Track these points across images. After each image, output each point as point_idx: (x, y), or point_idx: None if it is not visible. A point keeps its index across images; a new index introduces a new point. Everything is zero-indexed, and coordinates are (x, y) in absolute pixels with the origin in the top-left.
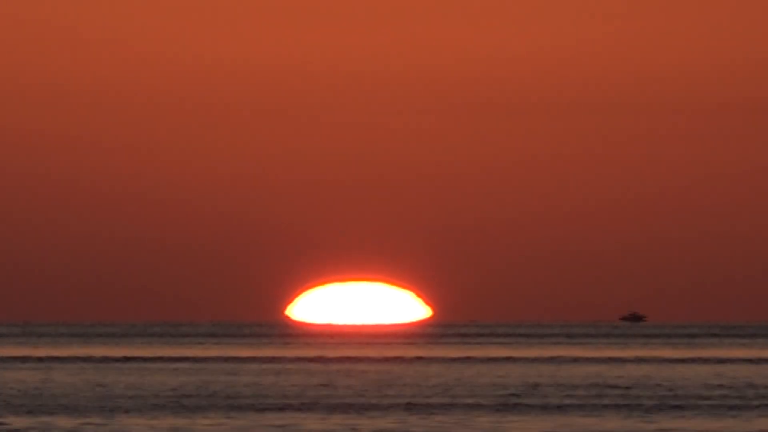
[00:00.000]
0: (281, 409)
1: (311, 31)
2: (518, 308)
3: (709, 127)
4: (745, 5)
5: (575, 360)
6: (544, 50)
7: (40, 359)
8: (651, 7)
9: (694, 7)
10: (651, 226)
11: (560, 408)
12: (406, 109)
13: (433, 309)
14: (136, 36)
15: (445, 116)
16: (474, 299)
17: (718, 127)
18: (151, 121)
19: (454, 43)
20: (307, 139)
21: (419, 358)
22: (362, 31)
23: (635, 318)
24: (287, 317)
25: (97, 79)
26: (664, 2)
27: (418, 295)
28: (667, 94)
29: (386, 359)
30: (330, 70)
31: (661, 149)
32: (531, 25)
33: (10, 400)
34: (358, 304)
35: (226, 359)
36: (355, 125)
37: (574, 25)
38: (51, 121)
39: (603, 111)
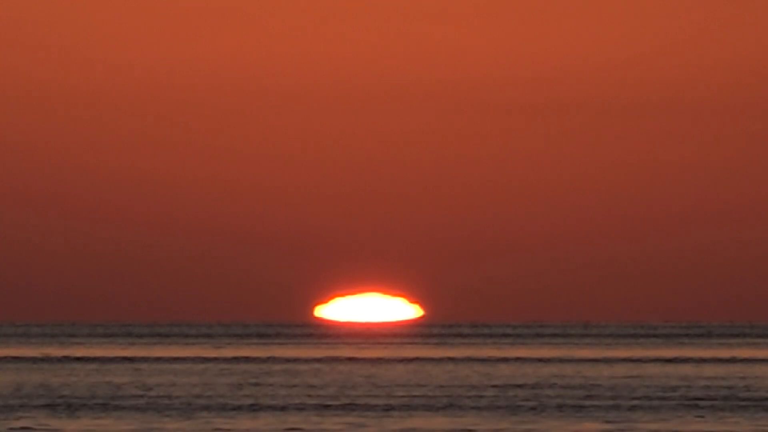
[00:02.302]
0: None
1: (314, 32)
2: (516, 309)
3: (709, 128)
4: (745, 6)
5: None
6: (544, 50)
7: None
8: (651, 7)
9: (695, 8)
10: (648, 226)
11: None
12: (401, 110)
13: (428, 311)
14: (136, 34)
15: (440, 117)
16: (477, 300)
17: (719, 128)
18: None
19: (453, 43)
20: (304, 139)
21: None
22: (358, 30)
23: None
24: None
25: (100, 78)
26: (665, 2)
27: (412, 301)
28: (666, 95)
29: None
30: (326, 71)
31: (661, 150)
32: (530, 25)
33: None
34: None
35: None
36: (353, 126)
37: (573, 25)
38: (61, 120)
39: (601, 111)
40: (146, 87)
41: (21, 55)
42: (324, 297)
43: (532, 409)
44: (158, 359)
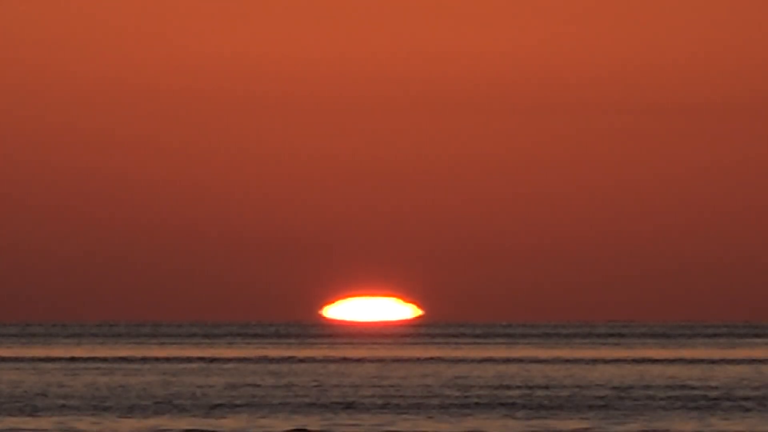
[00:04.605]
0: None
1: (315, 31)
2: (516, 309)
3: (710, 129)
4: (742, 6)
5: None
6: (543, 50)
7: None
8: (649, 7)
9: (693, 8)
10: (647, 226)
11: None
12: (400, 112)
13: (426, 310)
14: (137, 32)
15: (440, 118)
16: (474, 300)
17: (720, 128)
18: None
19: (454, 44)
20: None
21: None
22: (359, 30)
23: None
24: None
25: (99, 79)
26: (663, 2)
27: (410, 301)
28: (664, 95)
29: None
30: (329, 73)
31: (661, 150)
32: (529, 24)
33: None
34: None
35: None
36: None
37: (572, 25)
38: (63, 120)
39: (601, 112)
40: (151, 87)
41: (18, 55)
42: (328, 298)
43: (532, 408)
44: (155, 359)
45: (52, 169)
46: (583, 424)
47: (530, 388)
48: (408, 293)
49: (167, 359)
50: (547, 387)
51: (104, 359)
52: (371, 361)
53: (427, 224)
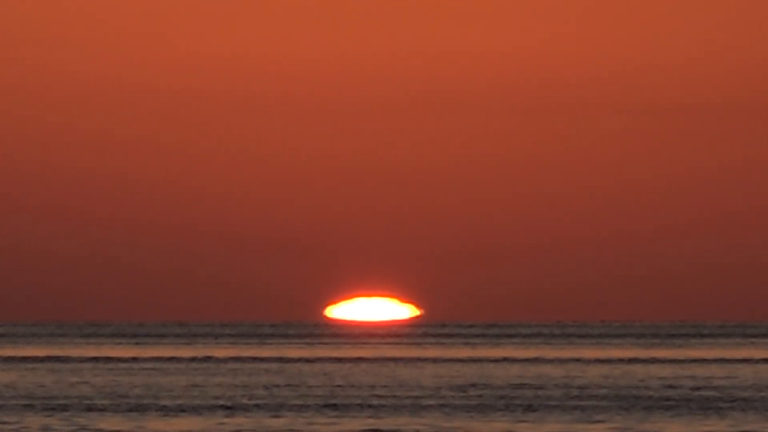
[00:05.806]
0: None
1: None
2: (513, 309)
3: (708, 128)
4: (742, 6)
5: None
6: (543, 50)
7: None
8: (649, 7)
9: (693, 8)
10: (646, 226)
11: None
12: (399, 113)
13: (426, 311)
14: (137, 31)
15: (439, 119)
16: (474, 300)
17: (718, 127)
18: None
19: (453, 43)
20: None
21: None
22: (359, 30)
23: None
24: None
25: (99, 79)
26: (663, 2)
27: (408, 301)
28: (664, 95)
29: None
30: (330, 73)
31: (661, 150)
32: (529, 24)
33: None
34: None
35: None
36: (351, 126)
37: (572, 25)
38: (69, 120)
39: (601, 112)
40: (151, 87)
41: (18, 55)
42: (327, 298)
43: (531, 409)
44: (157, 359)
45: (52, 169)
46: (580, 426)
47: (531, 388)
48: (407, 293)
49: (167, 359)
50: (541, 387)
51: (103, 359)
52: (371, 360)
53: (427, 224)
